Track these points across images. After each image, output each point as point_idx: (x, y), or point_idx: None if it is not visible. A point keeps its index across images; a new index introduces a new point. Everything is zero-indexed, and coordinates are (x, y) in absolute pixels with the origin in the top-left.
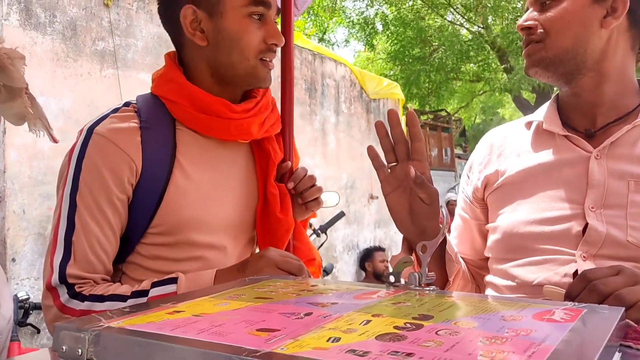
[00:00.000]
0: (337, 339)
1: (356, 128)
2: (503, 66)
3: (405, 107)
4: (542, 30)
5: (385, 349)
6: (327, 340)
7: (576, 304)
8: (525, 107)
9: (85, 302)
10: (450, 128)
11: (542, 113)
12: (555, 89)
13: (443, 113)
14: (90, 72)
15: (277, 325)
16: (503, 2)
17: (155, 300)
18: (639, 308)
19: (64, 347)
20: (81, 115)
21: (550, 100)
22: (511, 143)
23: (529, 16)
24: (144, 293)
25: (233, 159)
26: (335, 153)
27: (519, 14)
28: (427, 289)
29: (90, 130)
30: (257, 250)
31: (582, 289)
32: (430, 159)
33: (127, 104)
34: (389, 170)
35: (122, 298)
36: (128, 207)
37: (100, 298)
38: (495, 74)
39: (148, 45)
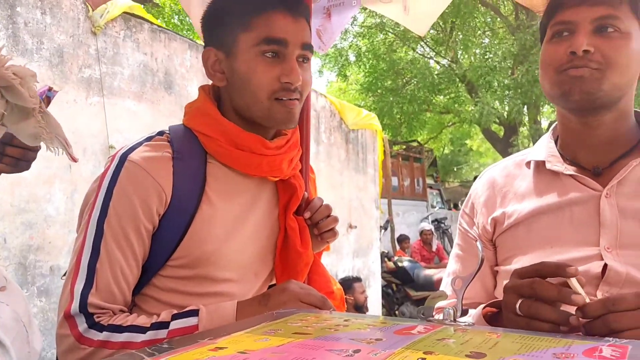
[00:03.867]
0: None
1: (335, 158)
2: (472, 99)
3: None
4: (600, 59)
5: None
6: None
7: (617, 340)
8: (494, 140)
9: (104, 333)
10: (422, 158)
11: (542, 151)
12: (526, 121)
13: (415, 144)
14: (76, 100)
15: None
16: (472, 38)
17: (180, 336)
18: None
19: None
20: None
21: (546, 136)
22: (514, 184)
23: (589, 40)
24: (164, 325)
25: (259, 193)
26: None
27: (487, 50)
28: (462, 323)
29: (124, 158)
30: (274, 284)
31: (598, 315)
32: (403, 189)
33: (160, 133)
34: None
35: (141, 329)
36: (152, 236)
37: (119, 329)
38: (464, 106)
39: (134, 74)
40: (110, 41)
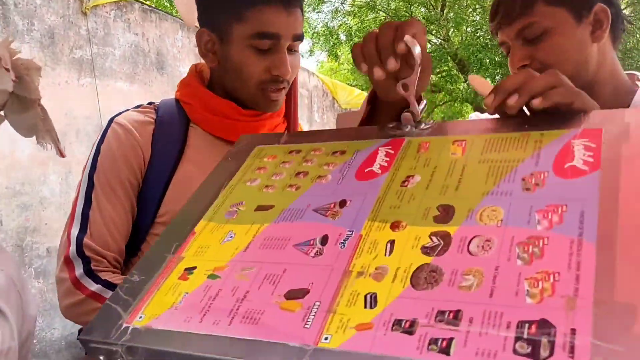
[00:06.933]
0: (374, 298)
1: None
2: (463, 77)
3: None
4: (540, 66)
5: (430, 308)
6: (365, 307)
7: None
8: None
9: (98, 285)
10: None
11: None
12: None
13: None
14: (67, 81)
15: (303, 281)
16: (463, 15)
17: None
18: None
19: (101, 358)
20: (59, 124)
21: None
22: None
23: (521, 54)
24: None
25: None
26: None
27: (478, 27)
28: (423, 127)
29: (111, 120)
30: None
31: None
32: None
33: (150, 103)
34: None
35: None
36: (138, 195)
37: (112, 286)
38: (456, 85)
39: (125, 54)
40: (100, 21)
